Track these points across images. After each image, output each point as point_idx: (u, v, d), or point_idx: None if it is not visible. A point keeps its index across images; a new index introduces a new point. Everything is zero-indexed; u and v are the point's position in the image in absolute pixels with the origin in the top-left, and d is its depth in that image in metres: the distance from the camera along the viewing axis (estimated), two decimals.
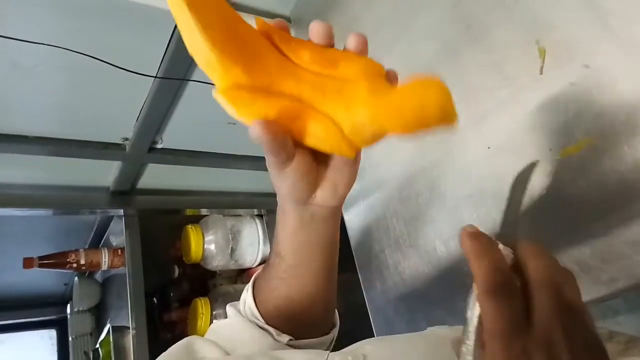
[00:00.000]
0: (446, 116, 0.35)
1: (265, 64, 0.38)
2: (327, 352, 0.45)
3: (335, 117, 0.38)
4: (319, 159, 0.44)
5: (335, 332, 0.56)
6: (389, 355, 0.47)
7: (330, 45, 0.42)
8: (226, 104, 0.37)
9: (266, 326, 0.51)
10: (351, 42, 0.42)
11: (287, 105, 0.38)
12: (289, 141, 0.39)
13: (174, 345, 0.51)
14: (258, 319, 0.51)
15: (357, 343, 0.48)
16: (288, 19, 1.13)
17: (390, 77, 0.41)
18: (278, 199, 0.48)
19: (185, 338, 0.53)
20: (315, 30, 0.42)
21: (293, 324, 0.50)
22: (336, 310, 0.58)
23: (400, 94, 0.37)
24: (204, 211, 1.70)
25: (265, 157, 0.41)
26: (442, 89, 0.35)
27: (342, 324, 0.56)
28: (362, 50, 0.42)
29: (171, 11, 0.35)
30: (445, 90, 0.35)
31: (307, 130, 0.39)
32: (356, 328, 0.73)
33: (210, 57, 0.36)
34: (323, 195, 0.45)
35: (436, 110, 0.35)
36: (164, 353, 0.49)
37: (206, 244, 1.60)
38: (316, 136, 0.39)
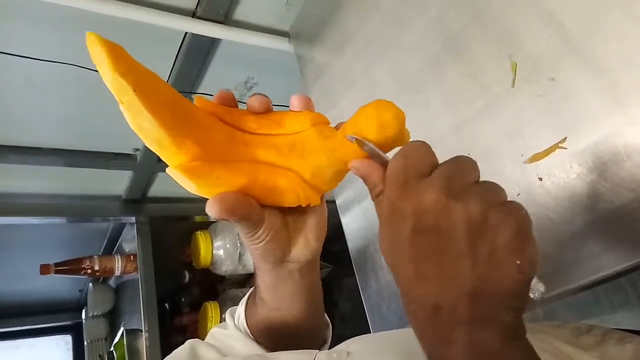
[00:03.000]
0: (402, 129, 0.39)
1: (214, 137, 0.38)
2: (316, 351, 0.47)
3: (294, 168, 0.40)
4: (287, 218, 0.45)
5: (326, 348, 0.57)
6: (371, 352, 0.49)
7: (269, 110, 0.44)
8: (182, 179, 0.36)
9: (254, 342, 0.53)
10: (295, 103, 0.44)
11: (245, 168, 0.38)
12: (252, 206, 0.40)
13: (178, 349, 0.53)
14: (248, 335, 0.53)
15: (344, 342, 0.51)
16: (287, 34, 1.18)
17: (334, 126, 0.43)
18: (253, 260, 0.48)
19: (188, 341, 0.55)
20: (252, 104, 0.43)
21: (279, 346, 0.51)
22: (329, 325, 0.59)
23: (352, 121, 0.40)
24: (212, 217, 1.74)
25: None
26: (394, 106, 0.39)
27: (344, 322, 0.58)
28: (308, 107, 0.44)
29: (115, 95, 0.35)
30: (396, 107, 0.39)
31: (270, 188, 0.39)
32: (357, 327, 0.77)
33: (160, 135, 0.35)
34: (297, 252, 0.46)
35: (394, 122, 0.38)
36: (168, 356, 0.51)
37: (215, 250, 1.63)
38: (280, 190, 0.40)
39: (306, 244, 0.46)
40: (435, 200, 0.32)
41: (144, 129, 0.35)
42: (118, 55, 0.34)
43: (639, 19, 0.51)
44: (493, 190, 0.33)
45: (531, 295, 0.33)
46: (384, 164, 0.37)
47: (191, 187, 0.37)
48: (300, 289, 0.50)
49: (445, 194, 0.32)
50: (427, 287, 0.32)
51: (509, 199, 0.33)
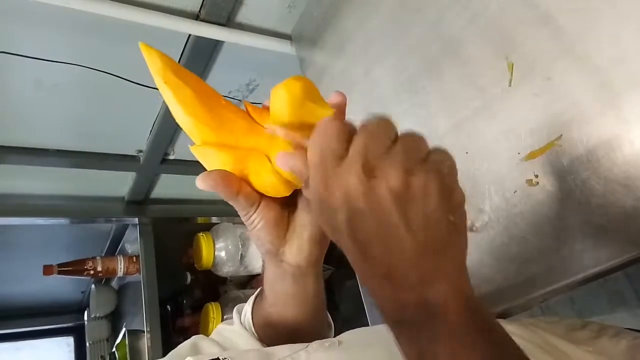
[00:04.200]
0: (299, 102, 0.39)
1: (232, 126, 0.44)
2: (309, 342, 0.49)
3: (270, 156, 0.43)
4: (286, 214, 0.47)
5: None
6: (361, 342, 0.51)
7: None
8: (198, 156, 0.44)
9: (258, 340, 0.54)
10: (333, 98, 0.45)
11: (242, 154, 0.43)
12: (240, 186, 0.43)
13: (181, 344, 0.55)
14: (254, 333, 0.55)
15: (339, 335, 0.53)
16: (289, 37, 1.19)
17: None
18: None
19: (192, 337, 0.56)
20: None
21: (280, 344, 0.52)
22: (331, 326, 0.60)
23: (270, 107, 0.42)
24: (214, 219, 1.74)
25: None
26: (287, 82, 0.39)
27: (346, 324, 0.59)
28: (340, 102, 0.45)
29: (160, 90, 0.43)
30: (288, 82, 0.39)
31: (253, 174, 0.44)
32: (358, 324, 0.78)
33: (184, 120, 0.43)
34: (290, 252, 0.47)
35: (286, 100, 0.39)
36: (172, 351, 0.53)
37: (217, 251, 1.63)
38: (259, 177, 0.43)
39: (299, 246, 0.47)
40: (359, 185, 0.32)
41: (177, 117, 0.44)
42: (163, 59, 0.43)
43: (631, 21, 0.52)
44: (411, 149, 0.34)
45: (471, 231, 0.35)
46: (305, 147, 0.38)
47: (203, 163, 0.44)
48: (294, 293, 0.51)
49: (366, 174, 0.32)
50: (375, 263, 0.33)
51: (431, 148, 0.35)
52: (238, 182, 0.43)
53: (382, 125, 0.35)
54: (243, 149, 0.44)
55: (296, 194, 0.47)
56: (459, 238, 0.34)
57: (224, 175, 0.42)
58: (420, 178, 0.32)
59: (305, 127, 0.39)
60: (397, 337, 0.34)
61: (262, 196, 0.45)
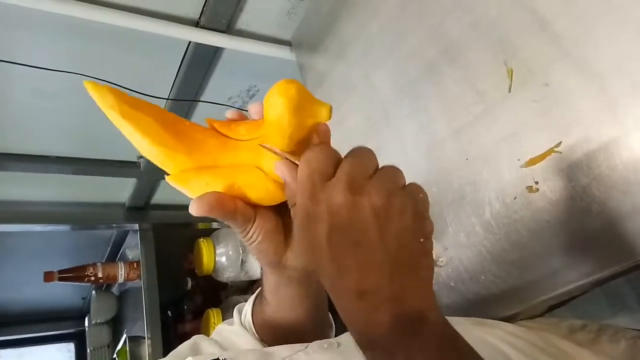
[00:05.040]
0: (294, 106, 0.38)
1: (205, 147, 0.43)
2: (308, 343, 0.50)
3: (261, 167, 0.42)
4: (283, 222, 0.47)
5: None
6: None
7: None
8: (178, 187, 0.43)
9: (259, 340, 0.55)
10: None
11: (227, 172, 0.42)
12: (235, 205, 0.43)
13: (182, 344, 0.55)
14: (254, 333, 0.55)
15: (337, 336, 0.53)
16: (289, 43, 1.20)
17: None
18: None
19: (193, 337, 0.57)
20: (230, 116, 0.46)
21: (283, 344, 0.52)
22: (333, 326, 0.61)
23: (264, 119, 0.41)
24: (215, 225, 1.74)
25: None
26: (278, 86, 0.39)
27: (346, 328, 0.58)
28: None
29: (117, 126, 0.42)
30: (279, 86, 0.39)
31: (246, 187, 0.43)
32: None
33: (153, 152, 0.42)
34: (294, 258, 0.47)
35: (280, 106, 0.38)
36: (173, 351, 0.54)
37: (217, 257, 1.62)
38: (253, 189, 0.43)
39: None
40: (344, 200, 0.35)
41: (142, 149, 0.42)
42: (115, 94, 0.42)
43: (629, 27, 0.52)
44: (392, 176, 0.37)
45: (438, 263, 0.37)
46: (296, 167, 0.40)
47: (186, 192, 0.43)
48: (299, 296, 0.51)
49: (351, 192, 0.35)
50: (350, 278, 0.35)
51: (407, 182, 0.38)
52: (232, 200, 0.43)
53: (367, 154, 0.38)
54: (224, 166, 0.43)
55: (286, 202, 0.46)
56: (427, 262, 0.36)
57: (217, 197, 0.42)
58: (398, 200, 0.35)
59: (303, 129, 0.39)
60: None
61: (256, 209, 0.45)
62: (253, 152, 0.42)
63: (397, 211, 0.35)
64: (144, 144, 0.42)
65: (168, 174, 0.44)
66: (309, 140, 0.41)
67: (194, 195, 0.42)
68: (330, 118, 0.39)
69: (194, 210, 0.41)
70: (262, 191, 0.43)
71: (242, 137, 0.44)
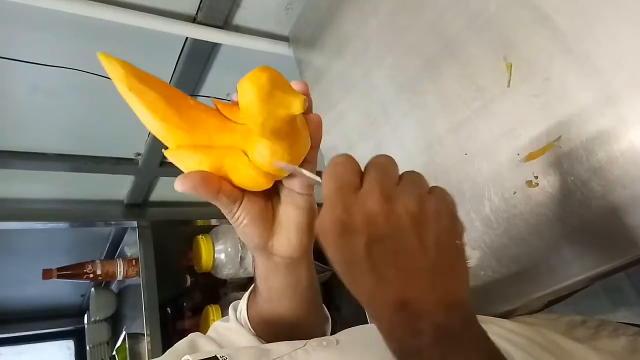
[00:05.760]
0: (263, 96, 0.37)
1: (205, 126, 0.44)
2: (307, 340, 0.50)
3: (248, 152, 0.43)
4: (271, 207, 0.47)
5: None
6: (359, 342, 0.51)
7: None
8: (173, 161, 0.44)
9: (255, 336, 0.55)
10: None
11: (219, 152, 0.43)
12: (221, 185, 0.43)
13: (179, 342, 0.55)
14: (250, 328, 0.55)
15: (336, 334, 0.53)
16: (287, 39, 1.19)
17: None
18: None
19: (190, 334, 0.57)
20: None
21: (276, 339, 0.53)
22: (328, 319, 0.61)
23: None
24: (213, 221, 1.74)
25: None
26: (249, 76, 0.37)
27: (346, 327, 0.58)
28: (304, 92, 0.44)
29: (125, 99, 0.43)
30: (251, 75, 0.37)
31: (232, 170, 0.43)
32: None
33: (155, 126, 0.43)
34: (279, 244, 0.47)
35: (251, 97, 0.37)
36: (170, 349, 0.53)
37: (216, 254, 1.63)
38: (238, 173, 0.43)
39: (287, 238, 0.47)
40: (379, 209, 0.34)
41: (146, 122, 0.43)
42: (125, 67, 0.43)
43: (629, 22, 0.52)
44: (418, 181, 0.37)
45: (470, 263, 0.37)
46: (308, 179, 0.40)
47: (180, 167, 0.44)
48: (290, 286, 0.51)
49: (384, 200, 0.34)
50: (390, 289, 0.34)
51: (431, 185, 0.37)
52: (218, 181, 0.43)
53: (389, 162, 0.38)
54: (218, 147, 0.43)
55: (277, 186, 0.47)
56: (464, 263, 0.36)
57: (202, 176, 0.42)
58: (432, 203, 0.35)
59: (276, 119, 0.38)
60: None
61: (244, 192, 0.45)
62: (243, 136, 0.43)
63: (433, 215, 0.35)
64: (148, 118, 0.43)
65: (167, 148, 0.45)
66: (289, 130, 0.41)
67: (186, 171, 0.43)
68: (302, 110, 0.38)
69: (178, 187, 0.41)
70: (244, 176, 0.43)
71: (239, 120, 0.44)
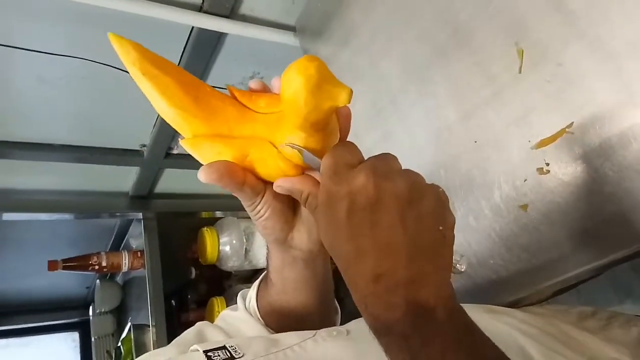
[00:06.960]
0: (312, 86, 0.35)
1: (223, 115, 0.42)
2: (316, 330, 0.49)
3: (274, 142, 0.41)
4: (293, 200, 0.46)
5: None
6: (368, 330, 0.51)
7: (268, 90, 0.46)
8: (190, 151, 0.42)
9: (265, 326, 0.54)
10: None
11: (241, 143, 0.42)
12: (245, 177, 0.42)
13: (186, 331, 0.55)
14: (259, 318, 0.55)
15: (346, 324, 0.53)
16: (293, 28, 1.18)
17: None
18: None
19: (197, 323, 0.57)
20: (273, 85, 0.45)
21: (286, 329, 0.52)
22: (338, 311, 0.61)
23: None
24: (218, 213, 1.74)
25: None
26: (296, 64, 0.36)
27: (350, 318, 0.58)
28: None
29: (137, 83, 0.41)
30: (297, 64, 0.36)
31: (257, 161, 0.42)
32: None
33: (170, 113, 0.41)
34: (300, 238, 0.47)
35: (299, 85, 0.35)
36: (177, 337, 0.53)
37: (221, 246, 1.63)
38: (264, 164, 0.42)
39: (308, 231, 0.47)
40: (365, 181, 0.35)
41: (160, 109, 0.41)
42: (137, 49, 0.41)
43: None
44: (414, 173, 0.37)
45: (453, 273, 0.37)
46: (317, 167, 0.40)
47: (198, 158, 0.43)
48: (304, 279, 0.51)
49: (373, 175, 0.35)
50: (366, 260, 0.34)
51: (417, 170, 0.38)
52: (242, 172, 0.42)
53: (392, 156, 0.38)
54: (240, 137, 0.42)
55: None
56: (446, 251, 0.36)
57: (227, 166, 0.41)
58: (421, 186, 0.36)
59: (320, 111, 0.37)
60: (386, 348, 0.34)
61: (266, 184, 0.44)
62: (269, 126, 0.41)
63: (418, 196, 0.35)
64: (162, 105, 0.41)
65: (182, 137, 0.43)
66: (327, 123, 0.40)
67: (205, 162, 0.42)
68: (349, 102, 0.37)
69: (202, 177, 0.40)
70: (272, 168, 0.42)
71: (261, 109, 0.43)
